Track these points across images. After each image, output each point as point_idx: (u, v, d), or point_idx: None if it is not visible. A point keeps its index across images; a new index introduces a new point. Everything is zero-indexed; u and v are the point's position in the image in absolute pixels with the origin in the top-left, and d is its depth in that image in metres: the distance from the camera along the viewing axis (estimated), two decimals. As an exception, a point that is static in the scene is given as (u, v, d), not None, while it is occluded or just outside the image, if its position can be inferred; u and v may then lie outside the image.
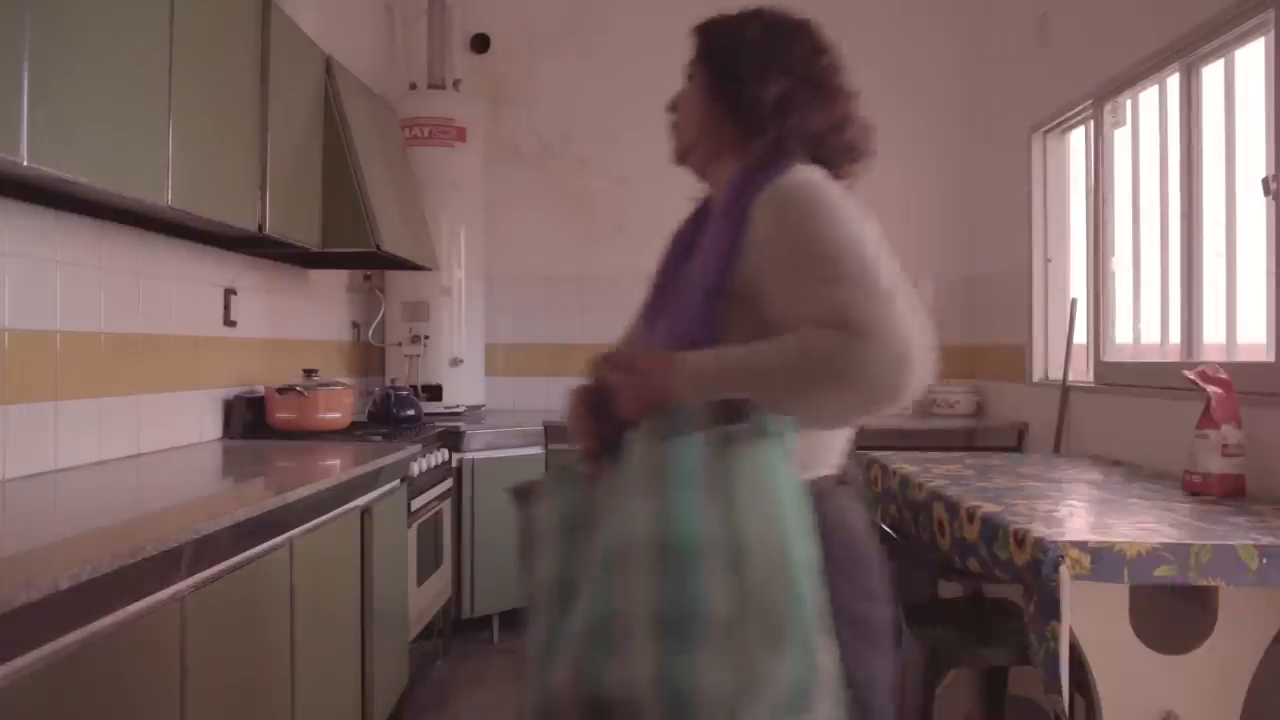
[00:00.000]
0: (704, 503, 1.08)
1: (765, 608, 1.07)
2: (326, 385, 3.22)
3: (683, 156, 1.56)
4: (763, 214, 1.31)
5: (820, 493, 1.31)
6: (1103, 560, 1.81)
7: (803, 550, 1.10)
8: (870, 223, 1.33)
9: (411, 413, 3.75)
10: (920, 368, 1.18)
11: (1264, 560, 1.81)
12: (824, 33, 1.51)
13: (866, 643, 1.33)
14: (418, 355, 4.19)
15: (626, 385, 1.25)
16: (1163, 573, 1.81)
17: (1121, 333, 3.37)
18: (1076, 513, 2.22)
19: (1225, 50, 2.75)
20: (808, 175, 1.35)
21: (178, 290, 2.69)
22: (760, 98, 1.41)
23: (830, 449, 1.40)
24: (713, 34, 1.51)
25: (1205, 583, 1.83)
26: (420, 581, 3.15)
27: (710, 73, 1.48)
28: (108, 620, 1.36)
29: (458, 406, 4.24)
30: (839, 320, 1.17)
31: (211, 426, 2.94)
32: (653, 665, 1.04)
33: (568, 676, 1.10)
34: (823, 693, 1.08)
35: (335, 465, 2.53)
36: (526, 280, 4.72)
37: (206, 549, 1.63)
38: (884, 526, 2.43)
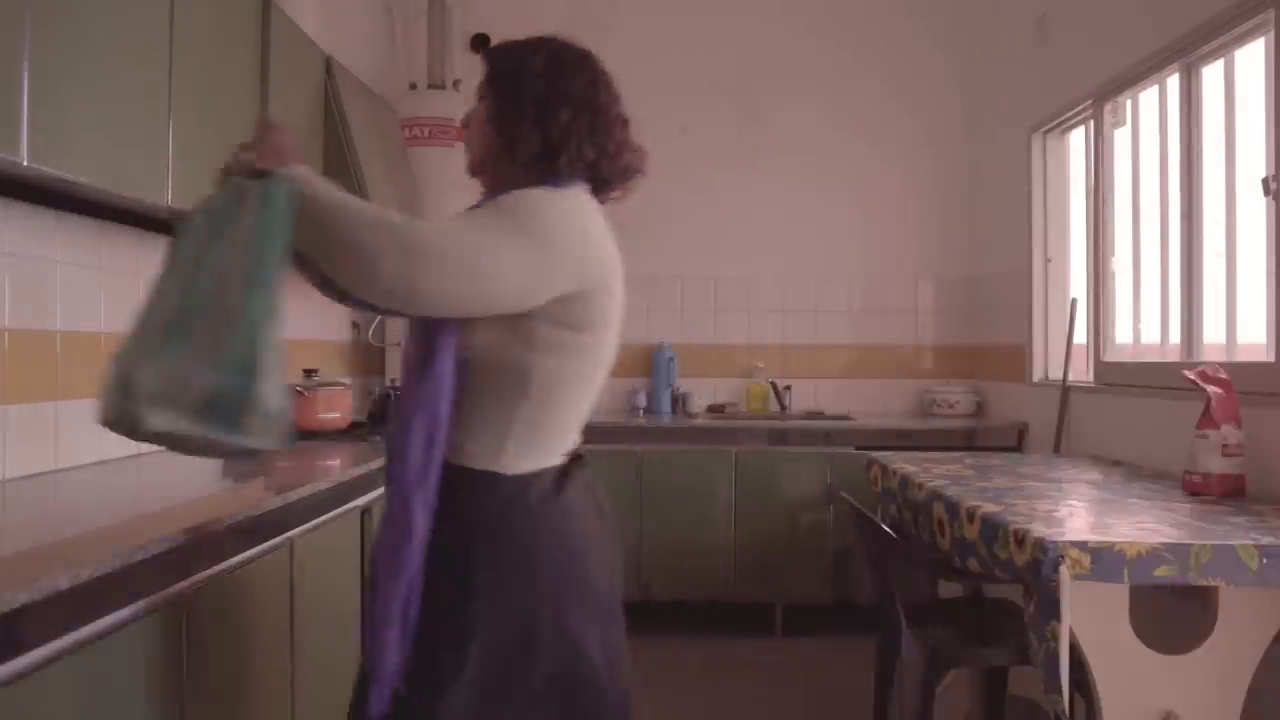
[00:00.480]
0: (214, 238, 1.37)
1: (218, 331, 1.33)
2: (326, 385, 3.22)
3: (474, 171, 1.65)
4: None
5: (537, 495, 1.47)
6: (1103, 560, 1.82)
7: (265, 299, 1.36)
8: (570, 235, 1.47)
9: (411, 413, 3.74)
10: (405, 271, 1.35)
11: (1264, 560, 1.81)
12: (602, 64, 1.63)
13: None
14: (418, 355, 4.18)
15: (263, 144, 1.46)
16: (1163, 573, 1.81)
17: (1121, 333, 3.37)
18: (1076, 513, 2.22)
19: (1225, 50, 2.75)
20: (556, 192, 1.50)
21: (178, 290, 2.68)
22: (540, 126, 1.52)
23: (557, 436, 1.53)
24: (500, 60, 1.61)
25: (1205, 583, 1.83)
26: (420, 581, 3.14)
27: (496, 98, 1.57)
28: (108, 620, 1.36)
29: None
30: (415, 220, 1.40)
31: (211, 426, 2.94)
32: (134, 353, 1.33)
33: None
34: (256, 421, 1.32)
35: (335, 465, 2.53)
36: (526, 280, 4.72)
37: (206, 549, 1.63)
38: (884, 526, 2.44)
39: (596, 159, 1.55)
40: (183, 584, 1.57)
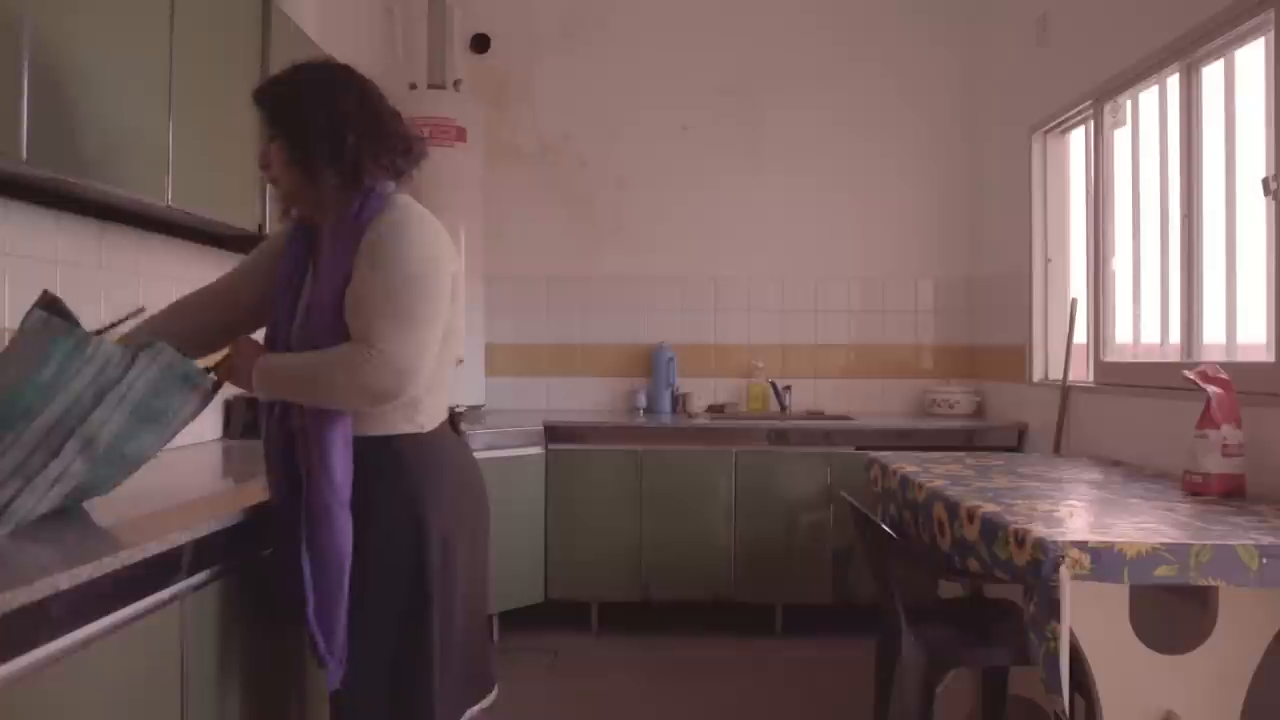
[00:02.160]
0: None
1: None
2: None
3: (289, 203, 1.83)
4: (368, 245, 1.70)
5: (443, 436, 1.87)
6: (1103, 560, 1.82)
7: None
8: (443, 253, 1.75)
9: (411, 413, 3.75)
10: (409, 386, 1.68)
11: (1264, 560, 1.81)
12: (358, 73, 1.81)
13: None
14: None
15: (230, 366, 1.76)
16: (1163, 573, 1.81)
17: (1121, 333, 3.37)
18: (1076, 513, 2.22)
19: (1225, 50, 2.75)
20: (403, 214, 1.73)
21: (178, 290, 2.66)
22: (334, 158, 1.72)
23: (442, 399, 1.88)
24: (272, 101, 1.77)
25: (1205, 583, 1.83)
26: (420, 581, 3.14)
27: (286, 140, 1.75)
28: (108, 620, 1.36)
29: (458, 406, 4.24)
30: (368, 340, 1.65)
31: (211, 426, 2.94)
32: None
33: None
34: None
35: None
36: (527, 280, 4.72)
37: (206, 549, 1.63)
38: (884, 527, 2.44)
39: (391, 161, 1.78)
40: (183, 584, 1.57)
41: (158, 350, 1.62)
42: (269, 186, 2.60)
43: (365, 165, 1.73)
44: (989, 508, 2.16)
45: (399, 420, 1.77)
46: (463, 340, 1.96)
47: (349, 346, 1.67)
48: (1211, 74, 2.84)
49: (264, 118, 1.78)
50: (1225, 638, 1.95)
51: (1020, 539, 1.92)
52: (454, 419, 1.91)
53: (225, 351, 1.79)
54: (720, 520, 4.01)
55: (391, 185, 1.80)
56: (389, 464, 1.77)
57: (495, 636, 3.90)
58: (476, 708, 1.94)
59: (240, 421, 3.02)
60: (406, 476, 1.77)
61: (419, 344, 1.67)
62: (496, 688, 2.04)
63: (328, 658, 1.70)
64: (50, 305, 1.59)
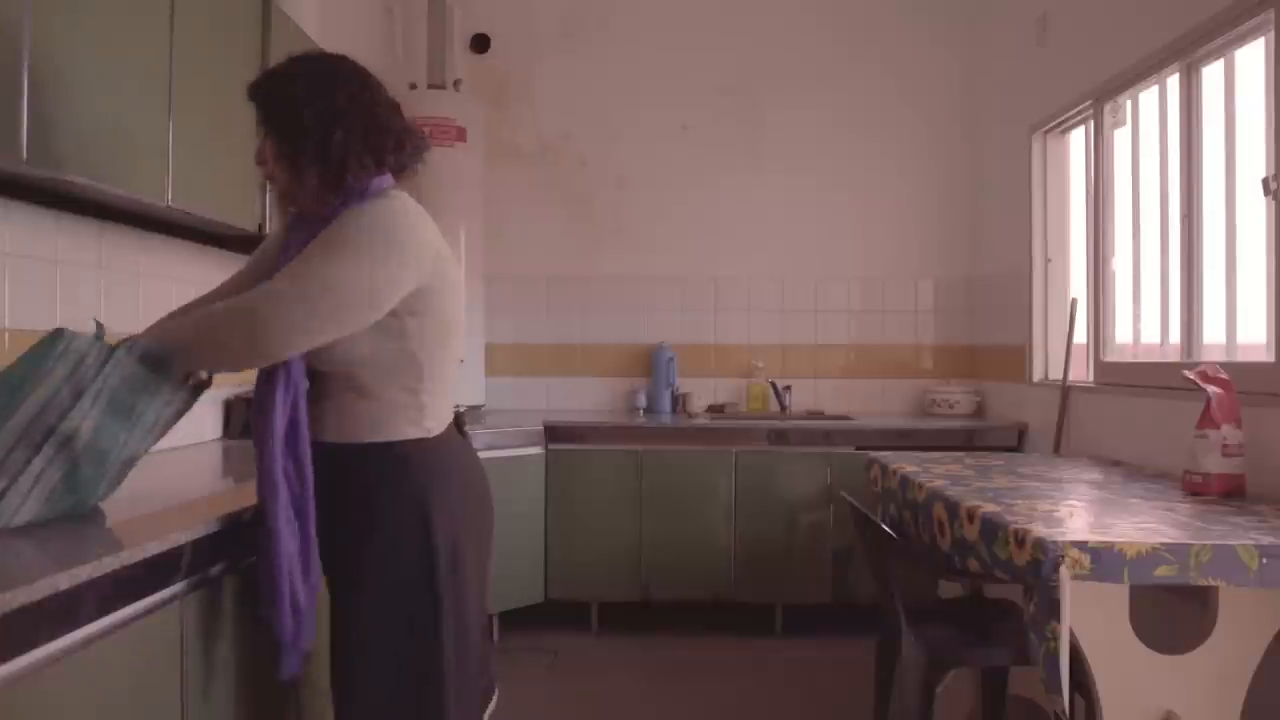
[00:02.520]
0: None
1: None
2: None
3: (286, 201, 1.79)
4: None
5: (450, 439, 1.85)
6: (1103, 560, 1.82)
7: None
8: (412, 251, 1.66)
9: (411, 413, 3.75)
10: (263, 348, 1.59)
11: (1264, 560, 1.81)
12: (358, 65, 1.76)
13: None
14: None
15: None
16: (1163, 573, 1.81)
17: (1121, 333, 3.37)
18: (1076, 513, 2.22)
19: (1225, 50, 2.75)
20: (373, 206, 1.67)
21: (178, 290, 2.68)
22: (319, 156, 1.67)
23: (447, 401, 1.86)
24: (265, 96, 1.73)
25: (1205, 583, 1.83)
26: (420, 581, 3.14)
27: (276, 136, 1.72)
28: (108, 620, 1.36)
29: (458, 406, 4.23)
30: (257, 295, 1.59)
31: (211, 426, 2.94)
32: None
33: None
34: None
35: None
36: (527, 280, 4.72)
37: (206, 549, 1.63)
38: (884, 527, 2.43)
39: (379, 158, 1.71)
40: (183, 584, 1.57)
41: (133, 343, 1.61)
42: (268, 185, 2.62)
43: (349, 163, 1.67)
44: (989, 508, 2.16)
45: (404, 425, 1.75)
46: (463, 340, 1.93)
47: (247, 294, 1.62)
48: (1211, 74, 2.84)
49: (258, 114, 1.74)
50: (1225, 638, 1.95)
51: (1020, 539, 1.92)
52: (459, 420, 1.91)
53: None
54: (720, 520, 4.01)
55: (386, 181, 1.74)
56: (395, 469, 1.75)
57: (495, 636, 3.90)
58: (486, 714, 1.93)
59: (240, 421, 3.01)
60: (412, 481, 1.75)
61: (287, 316, 1.57)
62: (497, 690, 2.03)
63: (287, 648, 1.69)
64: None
